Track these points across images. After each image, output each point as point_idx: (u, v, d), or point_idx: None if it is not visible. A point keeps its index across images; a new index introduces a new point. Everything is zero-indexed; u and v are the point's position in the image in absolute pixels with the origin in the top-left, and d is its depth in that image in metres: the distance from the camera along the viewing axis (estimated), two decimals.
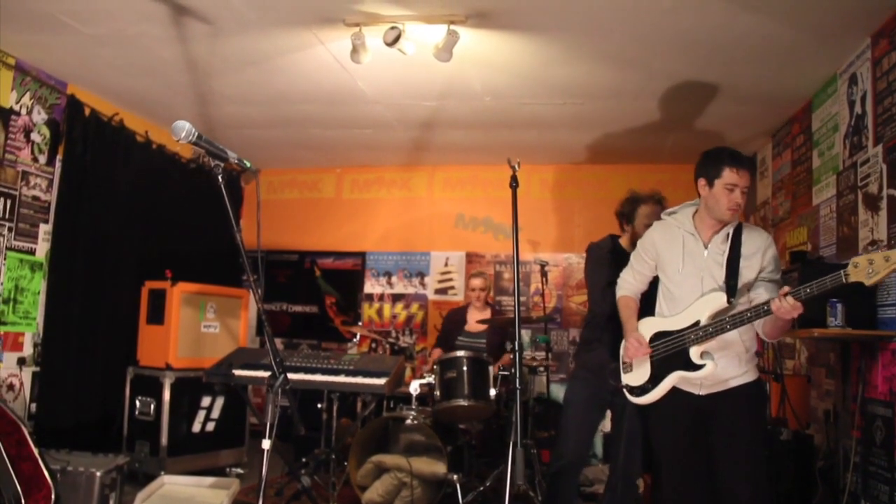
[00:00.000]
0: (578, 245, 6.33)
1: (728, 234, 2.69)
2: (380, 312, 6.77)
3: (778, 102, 4.64)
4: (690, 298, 2.68)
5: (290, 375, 2.30)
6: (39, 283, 4.57)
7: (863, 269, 2.19)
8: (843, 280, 2.24)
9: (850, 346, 3.67)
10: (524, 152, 5.93)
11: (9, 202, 4.33)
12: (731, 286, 2.62)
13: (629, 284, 3.03)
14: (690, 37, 3.71)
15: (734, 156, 2.65)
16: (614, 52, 3.97)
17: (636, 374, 2.83)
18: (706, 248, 2.71)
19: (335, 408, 4.58)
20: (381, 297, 6.79)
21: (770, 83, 4.30)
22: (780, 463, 3.64)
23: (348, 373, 3.66)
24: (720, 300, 2.59)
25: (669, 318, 2.75)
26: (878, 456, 3.29)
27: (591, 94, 4.64)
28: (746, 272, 2.65)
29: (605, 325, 3.29)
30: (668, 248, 2.82)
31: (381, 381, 3.55)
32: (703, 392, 2.68)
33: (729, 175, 2.61)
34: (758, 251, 2.66)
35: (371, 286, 6.82)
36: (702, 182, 2.70)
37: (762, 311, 2.45)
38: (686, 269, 2.73)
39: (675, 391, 2.72)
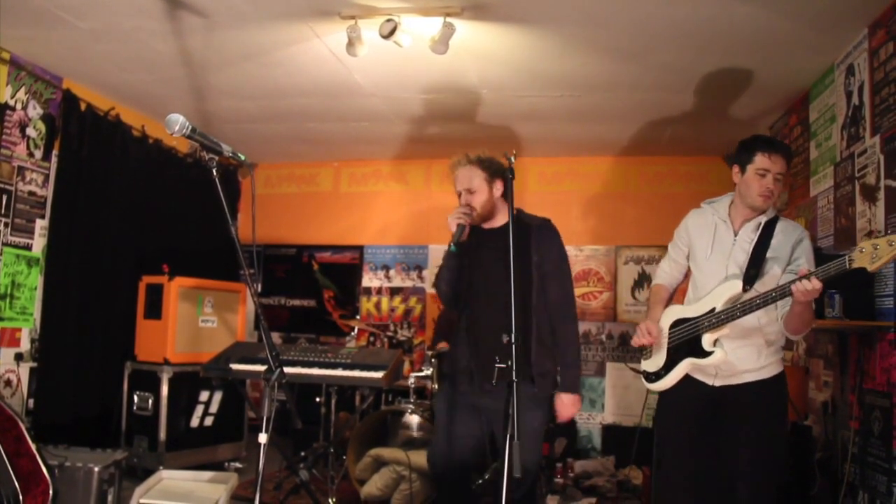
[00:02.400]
0: (577, 237, 6.32)
1: (760, 224, 2.66)
2: (378, 306, 6.77)
3: (775, 93, 4.62)
4: (713, 285, 2.66)
5: (288, 369, 2.30)
6: (36, 279, 4.56)
7: (867, 255, 2.15)
8: (847, 266, 2.19)
9: (848, 336, 3.66)
10: (521, 145, 5.95)
11: (4, 197, 4.32)
12: (752, 275, 2.59)
13: (664, 273, 3.00)
14: (687, 28, 3.70)
15: (767, 140, 2.65)
16: (610, 44, 3.96)
17: (653, 361, 2.83)
18: (736, 235, 2.69)
19: (333, 402, 4.58)
20: (380, 291, 6.79)
21: (767, 74, 4.29)
22: None
23: (346, 366, 3.66)
24: (735, 287, 2.57)
25: (692, 304, 2.73)
26: (876, 447, 3.29)
27: (587, 86, 4.62)
28: (772, 262, 2.60)
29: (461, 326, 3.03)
30: (699, 235, 2.81)
31: (379, 374, 3.55)
32: (717, 383, 2.65)
33: (760, 160, 2.59)
34: (788, 242, 2.61)
35: (369, 280, 6.82)
36: (735, 169, 2.70)
37: (770, 297, 2.40)
38: (713, 255, 2.72)
39: (689, 380, 2.70)
